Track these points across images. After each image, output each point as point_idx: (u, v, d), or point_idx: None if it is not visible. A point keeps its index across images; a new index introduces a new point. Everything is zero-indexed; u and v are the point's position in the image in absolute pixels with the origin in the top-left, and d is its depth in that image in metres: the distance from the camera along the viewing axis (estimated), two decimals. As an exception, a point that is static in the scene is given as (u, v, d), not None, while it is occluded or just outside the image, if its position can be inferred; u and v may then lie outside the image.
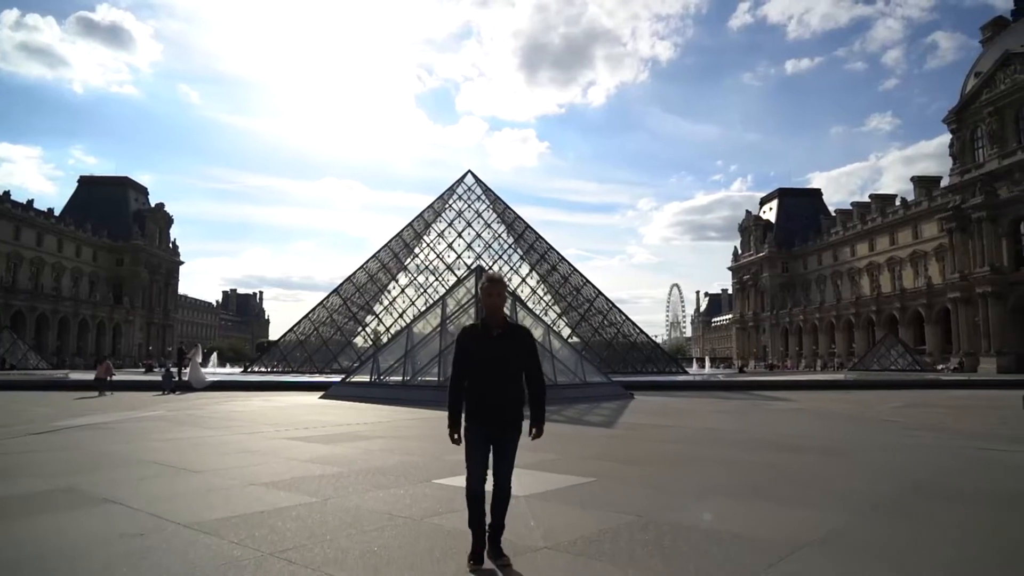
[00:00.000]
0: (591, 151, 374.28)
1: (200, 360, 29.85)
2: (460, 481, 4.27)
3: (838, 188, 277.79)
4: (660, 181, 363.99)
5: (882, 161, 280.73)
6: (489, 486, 4.14)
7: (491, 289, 4.34)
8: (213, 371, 41.00)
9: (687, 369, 50.64)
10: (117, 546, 4.46)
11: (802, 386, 31.64)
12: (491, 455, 4.17)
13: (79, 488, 6.53)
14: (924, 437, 11.53)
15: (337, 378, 26.74)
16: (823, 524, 5.23)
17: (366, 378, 22.33)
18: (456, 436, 4.21)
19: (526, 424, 4.26)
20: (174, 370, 29.17)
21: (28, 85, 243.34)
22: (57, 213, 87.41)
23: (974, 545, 4.76)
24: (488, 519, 4.15)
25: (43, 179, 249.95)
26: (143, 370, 54.13)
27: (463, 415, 4.22)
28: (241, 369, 47.87)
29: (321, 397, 21.45)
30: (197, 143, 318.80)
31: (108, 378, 25.24)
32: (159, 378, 28.88)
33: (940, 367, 54.52)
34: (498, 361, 4.19)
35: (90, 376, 28.54)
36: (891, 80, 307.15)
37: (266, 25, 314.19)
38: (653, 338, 49.00)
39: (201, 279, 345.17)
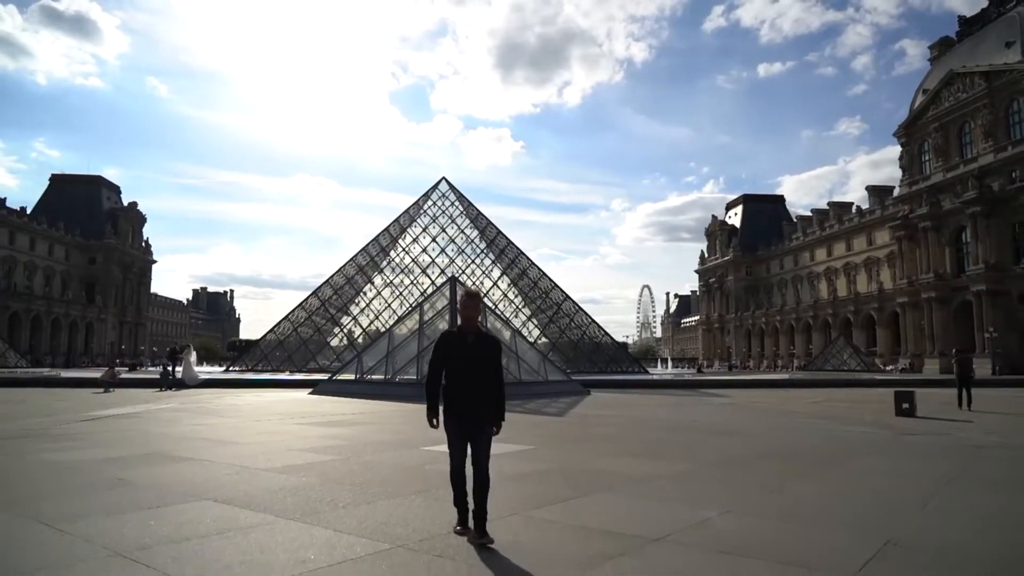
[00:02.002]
0: (566, 151, 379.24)
1: (193, 359, 31.78)
2: (443, 448, 5.20)
3: (808, 191, 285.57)
4: (633, 182, 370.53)
5: (850, 165, 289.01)
6: (470, 472, 4.84)
7: (467, 302, 5.04)
8: (198, 369, 42.74)
9: (649, 369, 53.50)
10: (225, 478, 6.98)
11: (747, 384, 34.49)
12: (469, 445, 4.87)
13: (163, 452, 8.98)
14: (808, 423, 14.40)
15: (317, 376, 28.77)
16: (678, 469, 7.99)
17: (351, 376, 24.52)
18: (435, 421, 4.90)
19: None
20: (169, 368, 31.15)
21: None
22: (25, 209, 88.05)
23: (776, 479, 7.46)
24: (472, 506, 4.76)
25: (4, 172, 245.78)
26: (126, 369, 55.46)
27: (442, 410, 4.92)
28: (223, 368, 49.49)
29: (310, 393, 23.42)
30: (166, 137, 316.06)
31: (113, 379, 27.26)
32: (149, 376, 30.87)
33: (890, 368, 58.13)
34: (472, 364, 4.85)
35: (79, 374, 30.42)
36: (860, 85, 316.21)
37: (237, 19, 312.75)
38: (624, 339, 51.46)
39: (169, 276, 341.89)
